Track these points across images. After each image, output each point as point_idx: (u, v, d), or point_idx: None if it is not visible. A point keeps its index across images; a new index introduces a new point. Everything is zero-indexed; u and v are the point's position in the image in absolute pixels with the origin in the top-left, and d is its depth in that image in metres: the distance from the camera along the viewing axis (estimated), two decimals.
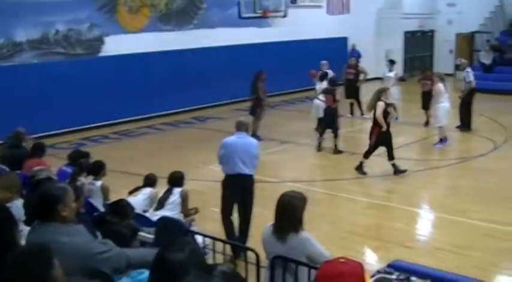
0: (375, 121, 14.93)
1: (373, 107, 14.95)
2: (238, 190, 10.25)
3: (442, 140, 18.26)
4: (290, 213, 6.19)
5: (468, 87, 19.85)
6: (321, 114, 18.30)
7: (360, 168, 15.42)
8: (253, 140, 10.58)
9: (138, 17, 22.56)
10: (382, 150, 15.34)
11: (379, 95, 15.03)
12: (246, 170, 10.11)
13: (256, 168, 10.40)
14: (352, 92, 22.41)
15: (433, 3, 34.99)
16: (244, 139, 10.26)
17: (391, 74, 21.94)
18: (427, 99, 20.10)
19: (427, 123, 20.58)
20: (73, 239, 4.94)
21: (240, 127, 10.37)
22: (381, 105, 14.73)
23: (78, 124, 20.44)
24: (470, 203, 13.20)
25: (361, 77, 22.61)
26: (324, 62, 21.43)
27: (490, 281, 8.77)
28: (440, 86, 18.19)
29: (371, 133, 15.20)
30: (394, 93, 21.13)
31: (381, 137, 14.95)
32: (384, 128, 14.77)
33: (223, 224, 10.46)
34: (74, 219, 5.21)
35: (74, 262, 4.71)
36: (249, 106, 19.60)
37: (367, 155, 15.37)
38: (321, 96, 18.50)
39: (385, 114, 14.80)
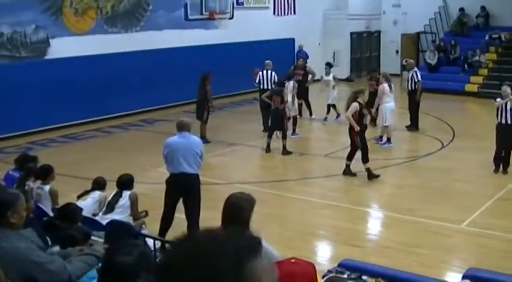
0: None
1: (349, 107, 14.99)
2: (181, 189, 10.37)
3: (389, 139, 18.46)
4: (237, 214, 6.16)
5: (419, 87, 20.15)
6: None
7: (371, 175, 15.04)
8: (196, 139, 10.76)
9: (84, 19, 22.34)
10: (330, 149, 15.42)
11: (355, 95, 15.06)
12: (189, 169, 10.22)
13: (201, 167, 10.49)
14: (301, 93, 22.50)
15: (378, 4, 35.31)
16: (187, 138, 10.41)
17: (329, 77, 22.11)
18: (372, 100, 20.35)
19: (374, 123, 20.69)
20: (15, 244, 4.91)
21: (182, 127, 10.50)
22: (354, 105, 14.72)
23: (25, 128, 20.16)
24: (417, 201, 13.43)
25: (310, 77, 22.69)
26: (268, 61, 21.39)
27: (440, 278, 8.91)
28: (384, 85, 18.39)
29: (351, 135, 15.05)
30: (334, 95, 21.51)
31: (362, 137, 14.98)
32: (356, 129, 14.64)
33: (161, 219, 10.54)
34: (21, 225, 5.17)
35: (13, 268, 4.71)
36: (195, 108, 19.59)
37: (365, 159, 15.14)
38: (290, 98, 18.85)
39: (361, 115, 14.83)
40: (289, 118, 18.67)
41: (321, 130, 21.78)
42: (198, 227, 10.20)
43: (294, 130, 19.69)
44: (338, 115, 21.81)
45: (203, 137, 18.67)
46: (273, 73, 20.51)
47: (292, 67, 23.50)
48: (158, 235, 9.90)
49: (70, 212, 7.91)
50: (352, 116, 14.71)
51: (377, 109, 19.30)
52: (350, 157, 15.29)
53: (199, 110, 19.04)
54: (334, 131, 21.28)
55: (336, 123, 21.45)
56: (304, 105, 22.52)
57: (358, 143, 14.95)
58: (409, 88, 20.48)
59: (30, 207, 6.06)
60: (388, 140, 18.45)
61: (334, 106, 21.94)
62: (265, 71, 20.67)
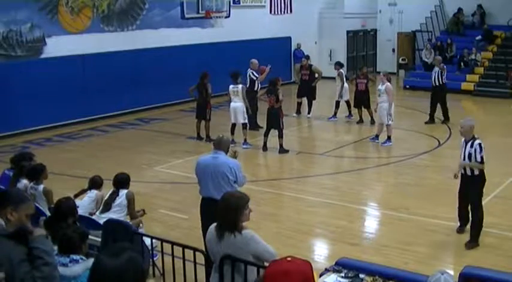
0: None
1: None
2: (213, 216, 7.92)
3: (389, 137, 18.40)
4: (231, 213, 6.19)
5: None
6: (241, 120, 18.36)
7: None
8: (227, 161, 9.11)
9: (80, 18, 22.29)
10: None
11: None
12: (219, 196, 8.11)
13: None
14: (306, 92, 22.50)
15: (374, 2, 35.31)
16: (217, 160, 9.07)
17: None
18: (363, 98, 20.46)
19: (372, 122, 20.57)
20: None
21: (217, 144, 9.23)
22: None
23: (21, 127, 20.15)
24: (414, 199, 13.43)
25: (317, 76, 22.64)
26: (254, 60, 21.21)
27: None
28: (389, 84, 18.32)
29: None
30: (342, 92, 21.55)
31: None
32: None
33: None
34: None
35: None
36: (193, 107, 19.51)
37: None
38: (237, 99, 18.29)
39: None
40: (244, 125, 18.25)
41: (319, 129, 21.74)
42: None
43: (245, 139, 18.51)
44: (350, 114, 21.85)
45: (208, 136, 18.60)
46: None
47: (299, 66, 23.55)
48: None
49: (66, 209, 7.84)
50: None
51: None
52: None
53: (202, 109, 18.92)
54: (332, 129, 21.27)
55: (347, 121, 21.56)
56: (304, 104, 22.58)
57: None
58: (436, 84, 20.84)
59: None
60: (389, 138, 18.38)
61: (347, 103, 21.87)
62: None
